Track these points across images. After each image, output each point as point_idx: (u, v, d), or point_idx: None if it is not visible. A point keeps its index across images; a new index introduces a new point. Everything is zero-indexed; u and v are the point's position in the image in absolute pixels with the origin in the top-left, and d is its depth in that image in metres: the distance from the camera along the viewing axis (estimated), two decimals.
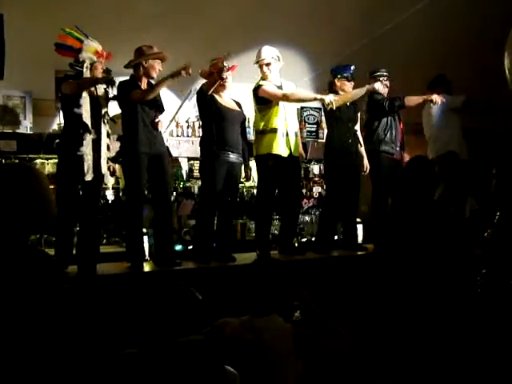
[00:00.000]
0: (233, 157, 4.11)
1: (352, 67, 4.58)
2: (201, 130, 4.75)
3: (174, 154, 5.01)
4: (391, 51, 5.15)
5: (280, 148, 4.25)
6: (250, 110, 4.58)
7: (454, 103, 4.89)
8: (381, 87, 4.54)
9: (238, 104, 4.31)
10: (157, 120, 3.89)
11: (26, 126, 4.95)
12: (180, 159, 5.41)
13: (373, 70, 4.81)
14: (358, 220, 4.95)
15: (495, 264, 2.57)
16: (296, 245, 4.91)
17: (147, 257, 4.13)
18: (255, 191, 5.42)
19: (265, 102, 4.26)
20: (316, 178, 5.92)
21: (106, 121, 3.79)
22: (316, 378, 2.13)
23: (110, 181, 3.98)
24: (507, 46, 3.60)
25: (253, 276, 2.24)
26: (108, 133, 3.81)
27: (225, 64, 3.84)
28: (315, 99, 4.35)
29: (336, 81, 4.57)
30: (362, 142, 4.78)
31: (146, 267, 3.89)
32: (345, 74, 4.56)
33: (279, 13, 4.71)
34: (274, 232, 5.01)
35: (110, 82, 3.57)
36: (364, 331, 2.75)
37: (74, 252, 3.80)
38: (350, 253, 4.60)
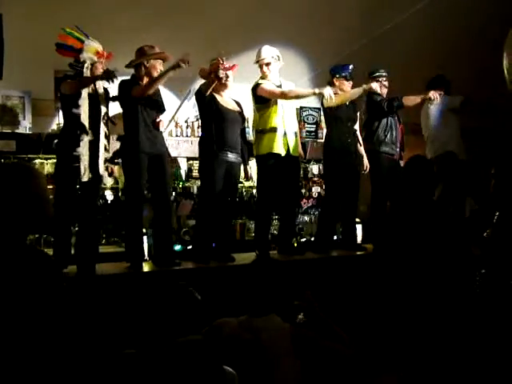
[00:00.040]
0: (231, 156, 4.11)
1: (350, 66, 4.58)
2: (200, 130, 4.75)
3: (173, 154, 5.00)
4: (391, 51, 5.15)
5: (280, 147, 4.25)
6: (250, 110, 4.58)
7: (453, 103, 4.89)
8: (378, 87, 4.53)
9: (239, 104, 4.31)
10: (158, 120, 3.89)
11: (25, 126, 4.95)
12: (179, 159, 5.41)
13: (372, 70, 4.82)
14: (358, 220, 4.95)
15: (494, 264, 2.57)
16: (295, 245, 4.91)
17: (146, 257, 4.13)
18: (254, 191, 5.43)
19: (263, 102, 4.26)
20: (315, 178, 5.92)
21: (105, 121, 3.79)
22: (314, 378, 2.12)
23: (108, 181, 3.97)
24: (506, 46, 3.60)
25: (252, 276, 2.24)
26: (106, 133, 3.80)
27: (219, 60, 3.82)
28: (314, 94, 4.32)
29: (334, 80, 4.58)
30: (361, 141, 4.78)
31: (145, 267, 3.88)
32: (343, 74, 4.57)
33: (279, 13, 4.71)
34: (273, 232, 5.01)
35: (109, 75, 3.52)
36: (363, 331, 2.75)
37: (73, 252, 3.80)
38: (349, 253, 4.60)
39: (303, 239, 5.50)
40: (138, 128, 3.76)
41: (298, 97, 4.39)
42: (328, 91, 4.13)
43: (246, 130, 4.64)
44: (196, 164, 5.26)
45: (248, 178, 4.56)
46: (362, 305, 3.10)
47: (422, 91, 4.84)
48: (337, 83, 4.56)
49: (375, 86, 4.47)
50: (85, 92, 3.62)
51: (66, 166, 3.64)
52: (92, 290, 3.41)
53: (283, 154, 4.26)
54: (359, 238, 4.96)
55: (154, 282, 3.59)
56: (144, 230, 4.07)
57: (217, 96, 4.09)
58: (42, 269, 1.55)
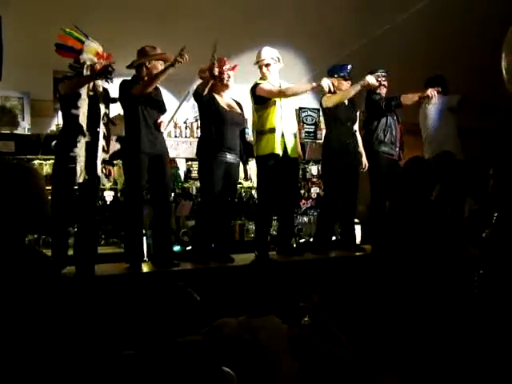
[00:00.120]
0: (230, 157, 4.10)
1: (349, 66, 4.58)
2: (199, 130, 4.75)
3: (172, 154, 5.00)
4: (389, 51, 5.15)
5: (279, 148, 4.25)
6: (249, 111, 4.58)
7: (450, 102, 4.89)
8: (374, 80, 4.49)
9: (239, 104, 4.31)
10: (159, 121, 3.89)
11: (24, 126, 4.95)
12: (178, 160, 5.41)
13: (371, 69, 4.81)
14: (356, 221, 4.94)
15: (493, 264, 2.57)
16: (294, 245, 4.91)
17: (145, 257, 4.13)
18: (254, 192, 5.43)
19: (262, 102, 4.26)
20: (314, 179, 5.92)
21: (104, 122, 3.78)
22: (313, 378, 2.12)
23: (106, 182, 3.96)
24: (504, 46, 3.60)
25: (251, 277, 2.24)
26: (105, 134, 3.79)
27: (214, 57, 3.81)
28: (312, 88, 4.26)
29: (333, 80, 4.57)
30: (360, 141, 4.78)
31: (145, 268, 3.88)
32: (341, 74, 4.56)
33: (278, 13, 4.71)
34: (273, 233, 5.01)
35: (106, 70, 3.49)
36: (362, 332, 2.75)
37: (71, 253, 3.79)
38: (347, 253, 4.60)
39: (302, 240, 5.49)
40: (139, 128, 3.76)
41: (296, 93, 4.33)
42: (326, 81, 4.10)
43: (246, 130, 4.64)
44: (195, 165, 5.26)
45: (247, 178, 4.55)
46: (361, 305, 3.10)
47: (420, 91, 4.85)
48: (335, 83, 4.56)
49: (370, 78, 4.40)
50: (84, 93, 3.61)
51: (62, 167, 3.62)
52: (91, 291, 3.41)
53: (281, 154, 4.26)
54: (358, 239, 4.95)
55: (153, 282, 3.59)
56: (143, 231, 4.07)
57: (217, 96, 4.09)
58: (41, 269, 1.55)
